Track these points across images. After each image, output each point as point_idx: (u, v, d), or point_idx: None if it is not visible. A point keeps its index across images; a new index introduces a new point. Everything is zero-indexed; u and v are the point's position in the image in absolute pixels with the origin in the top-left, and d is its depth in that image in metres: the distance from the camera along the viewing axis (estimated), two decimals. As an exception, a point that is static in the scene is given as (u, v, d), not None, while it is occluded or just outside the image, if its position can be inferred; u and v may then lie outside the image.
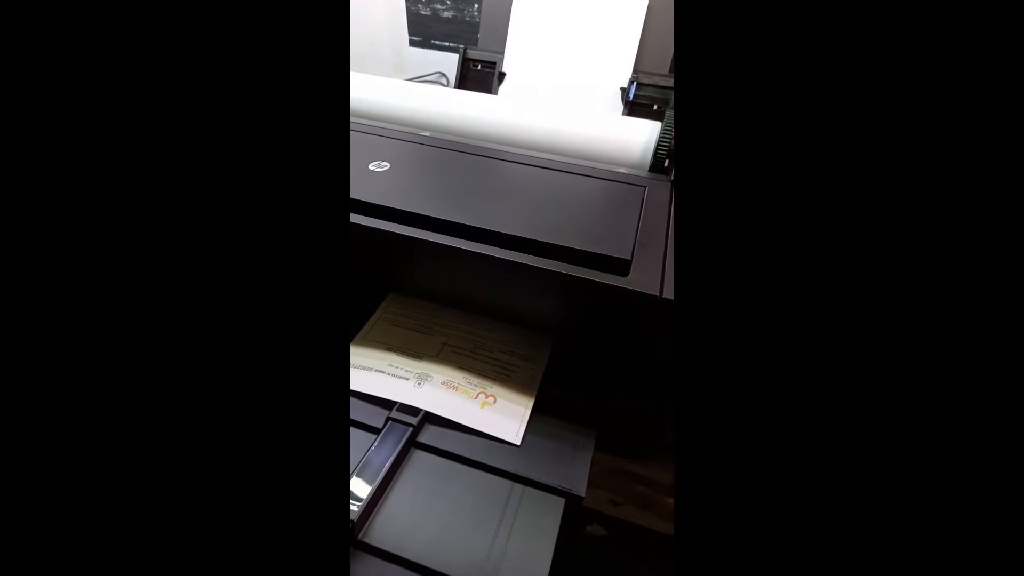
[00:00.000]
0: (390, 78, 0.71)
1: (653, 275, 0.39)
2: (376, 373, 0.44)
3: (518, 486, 0.38)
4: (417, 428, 0.40)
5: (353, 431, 0.40)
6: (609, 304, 0.40)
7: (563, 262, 0.40)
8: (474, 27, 1.13)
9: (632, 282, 0.39)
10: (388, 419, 0.40)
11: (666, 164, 0.57)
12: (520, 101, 0.74)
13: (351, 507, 0.34)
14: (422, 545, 0.33)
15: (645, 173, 0.57)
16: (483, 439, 0.40)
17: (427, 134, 0.61)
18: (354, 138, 0.57)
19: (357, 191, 0.46)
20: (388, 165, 0.52)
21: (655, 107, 0.80)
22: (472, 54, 0.89)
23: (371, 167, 0.51)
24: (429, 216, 0.44)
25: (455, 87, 0.90)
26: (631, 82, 0.80)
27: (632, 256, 0.41)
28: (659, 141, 0.57)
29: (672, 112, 0.56)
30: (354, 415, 0.41)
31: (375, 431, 0.40)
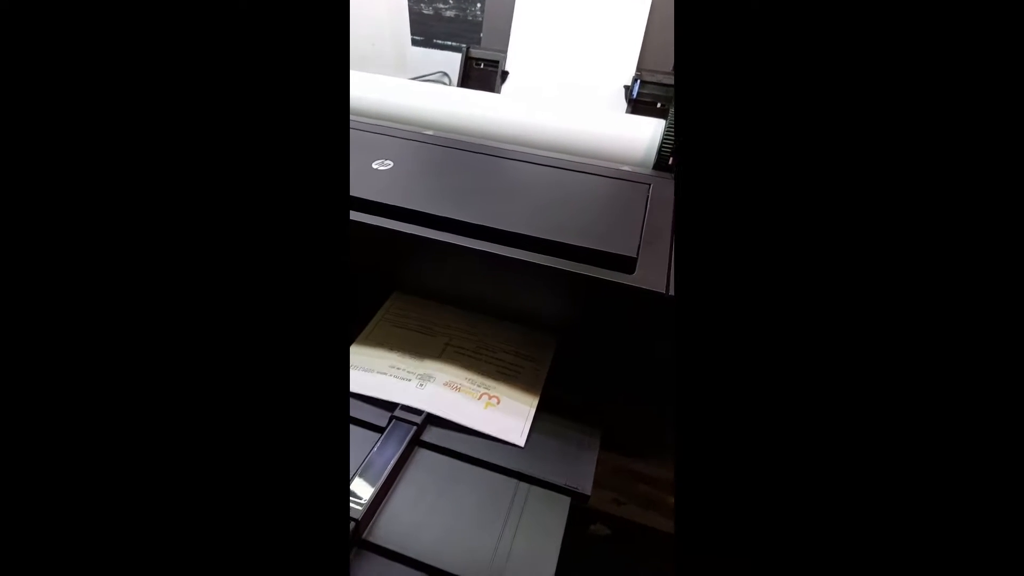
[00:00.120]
0: (393, 77, 0.71)
1: (659, 272, 0.39)
2: (378, 375, 0.44)
3: (523, 485, 0.37)
4: (421, 427, 0.40)
5: (357, 430, 0.40)
6: (615, 302, 0.40)
7: (568, 260, 0.40)
8: (476, 26, 1.13)
9: (638, 279, 0.38)
10: (392, 418, 0.40)
11: (670, 162, 0.56)
12: (523, 99, 0.74)
13: (355, 506, 0.34)
14: (427, 544, 0.33)
15: (649, 171, 0.57)
16: (488, 438, 0.40)
17: (430, 133, 0.61)
18: (357, 137, 0.57)
19: (360, 189, 0.46)
20: (391, 163, 0.51)
21: (659, 105, 0.80)
22: (475, 53, 0.89)
23: (374, 165, 0.51)
24: (434, 214, 0.43)
25: (458, 86, 0.90)
26: (635, 80, 0.80)
27: (638, 254, 0.41)
28: (663, 139, 0.57)
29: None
30: (358, 414, 0.40)
31: (379, 430, 0.39)
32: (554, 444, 0.40)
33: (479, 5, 1.21)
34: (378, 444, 0.38)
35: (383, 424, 0.40)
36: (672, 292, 0.37)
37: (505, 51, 0.85)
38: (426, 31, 1.26)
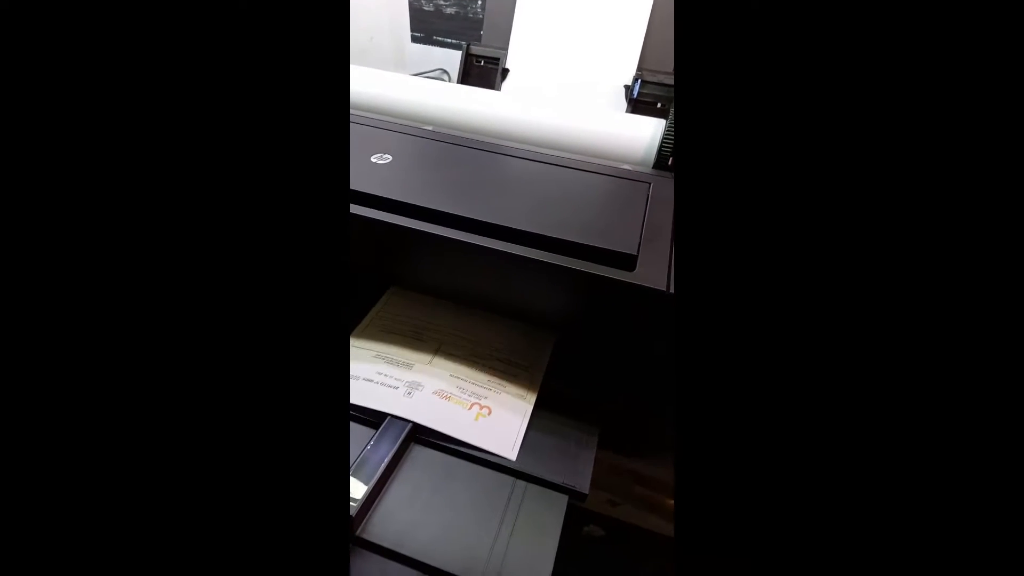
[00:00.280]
0: (394, 72, 0.70)
1: (660, 270, 0.39)
2: (363, 381, 0.42)
3: (520, 482, 0.37)
4: (416, 423, 0.39)
5: (352, 426, 0.39)
6: (615, 299, 0.39)
7: (568, 256, 0.40)
8: (477, 24, 1.12)
9: (639, 277, 0.38)
10: (388, 414, 0.39)
11: (670, 162, 0.56)
12: (523, 97, 0.73)
13: (350, 503, 0.33)
14: (423, 541, 0.33)
15: (649, 170, 0.57)
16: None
17: (429, 128, 0.60)
18: (356, 131, 0.57)
19: (358, 183, 0.45)
20: (390, 157, 0.51)
21: (659, 105, 0.80)
22: (475, 50, 0.89)
23: (373, 159, 0.50)
24: (432, 209, 0.43)
25: (458, 83, 0.89)
26: (635, 79, 0.80)
27: (638, 251, 0.41)
28: (664, 138, 0.56)
29: (678, 109, 0.56)
30: (352, 409, 0.40)
31: (374, 426, 0.39)
32: (552, 442, 0.40)
33: (480, 2, 1.21)
34: (373, 440, 0.38)
35: (378, 420, 0.39)
36: (672, 290, 0.37)
37: (506, 49, 0.85)
38: (426, 28, 1.25)
